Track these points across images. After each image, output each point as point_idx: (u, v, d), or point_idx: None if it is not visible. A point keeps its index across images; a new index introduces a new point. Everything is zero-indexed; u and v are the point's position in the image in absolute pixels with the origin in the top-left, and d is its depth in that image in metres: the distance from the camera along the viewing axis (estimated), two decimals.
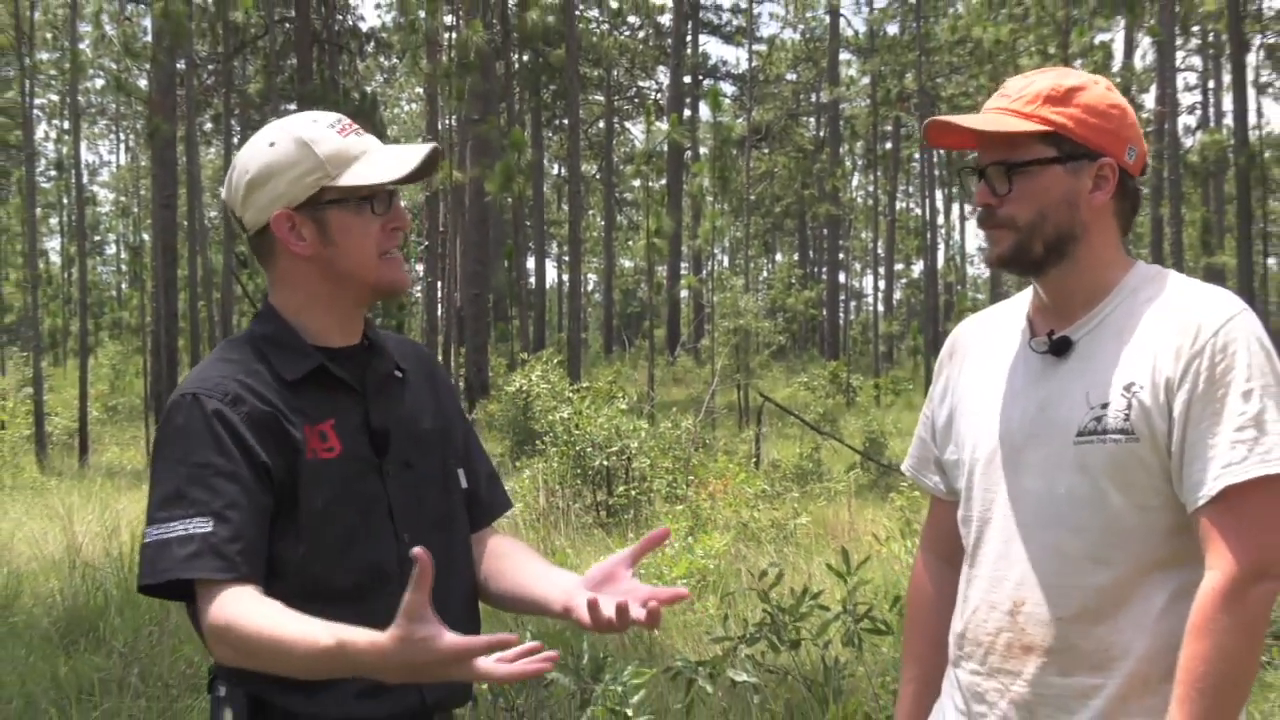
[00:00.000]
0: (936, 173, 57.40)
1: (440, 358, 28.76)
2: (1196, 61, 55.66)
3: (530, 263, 54.66)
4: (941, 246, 63.43)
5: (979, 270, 72.18)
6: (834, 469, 18.91)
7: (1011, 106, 2.55)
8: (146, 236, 41.92)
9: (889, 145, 58.67)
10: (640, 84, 64.31)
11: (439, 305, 33.91)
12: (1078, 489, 2.44)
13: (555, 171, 61.28)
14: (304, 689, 2.38)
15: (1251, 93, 40.78)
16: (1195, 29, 47.07)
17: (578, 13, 41.74)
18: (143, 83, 37.16)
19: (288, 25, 34.68)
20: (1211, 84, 54.73)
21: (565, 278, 60.88)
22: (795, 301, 49.31)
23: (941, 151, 53.30)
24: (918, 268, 61.72)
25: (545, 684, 4.90)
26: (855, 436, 22.81)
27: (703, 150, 51.74)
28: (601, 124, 61.19)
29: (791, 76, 62.95)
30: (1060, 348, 2.53)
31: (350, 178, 2.50)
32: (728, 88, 60.85)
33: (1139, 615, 2.42)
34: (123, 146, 69.67)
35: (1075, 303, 2.55)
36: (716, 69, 64.83)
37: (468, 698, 2.73)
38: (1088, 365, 2.48)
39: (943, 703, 2.74)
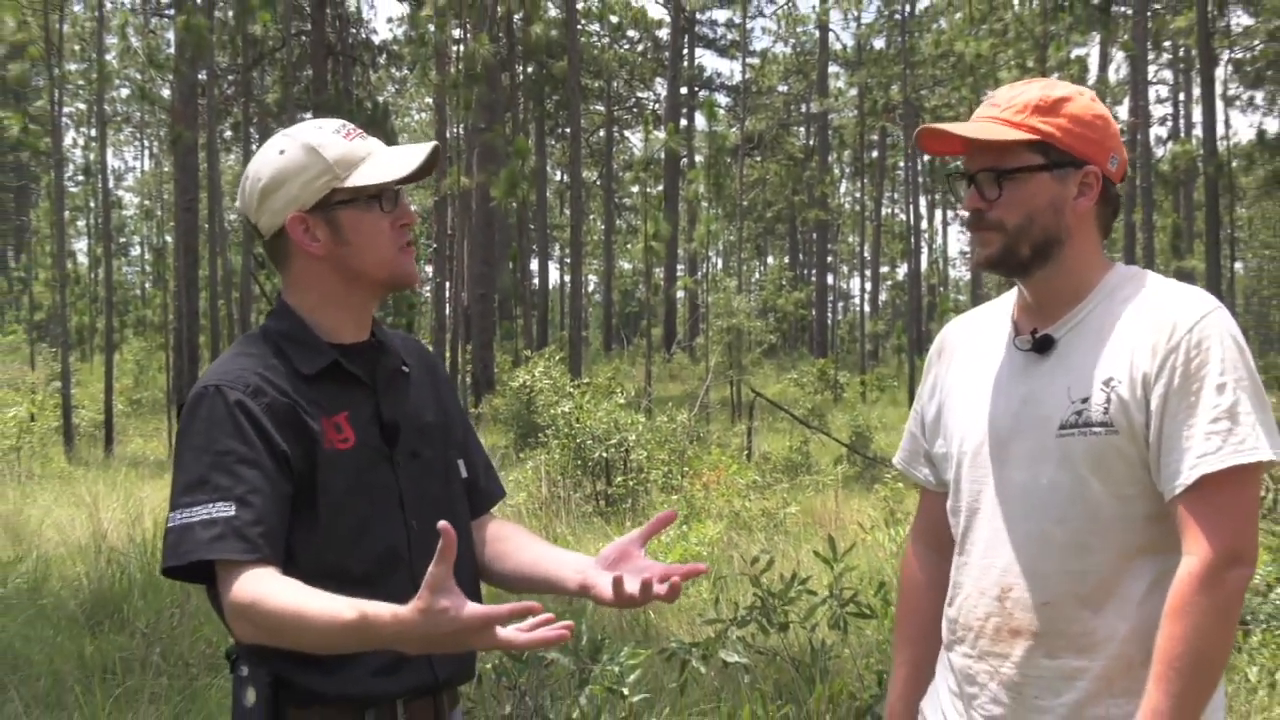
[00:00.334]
0: (920, 180, 57.43)
1: (447, 355, 28.74)
2: (1168, 75, 55.69)
3: (534, 264, 54.68)
4: (925, 250, 63.54)
5: (960, 273, 72.32)
6: (822, 461, 18.92)
7: (1001, 115, 2.54)
8: (169, 238, 41.94)
9: (875, 154, 58.74)
10: (639, 95, 64.29)
11: (447, 305, 33.87)
12: (1060, 479, 2.45)
13: (558, 178, 61.24)
14: (323, 667, 2.39)
15: (1220, 105, 40.78)
16: (1167, 44, 47.07)
17: (579, 27, 41.74)
18: (166, 92, 37.13)
19: (304, 38, 34.64)
20: (1182, 97, 54.78)
21: (567, 279, 60.86)
22: (785, 302, 49.34)
23: (925, 160, 53.33)
24: (902, 270, 61.75)
25: (546, 664, 4.89)
26: (842, 430, 22.83)
27: (698, 158, 51.75)
28: (602, 133, 61.20)
29: (783, 88, 62.94)
30: (1043, 345, 2.53)
31: (358, 178, 2.51)
32: (722, 99, 60.87)
33: (1121, 600, 2.42)
34: (147, 153, 69.73)
35: (1058, 302, 2.55)
36: (711, 81, 64.80)
37: (472, 675, 2.74)
38: (1069, 362, 2.48)
39: (937, 684, 2.74)
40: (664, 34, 59.75)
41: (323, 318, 2.57)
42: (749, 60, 58.22)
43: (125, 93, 52.20)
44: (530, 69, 41.56)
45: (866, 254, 62.69)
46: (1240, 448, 2.30)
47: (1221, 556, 2.28)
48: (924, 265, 60.79)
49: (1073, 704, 2.44)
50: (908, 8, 47.76)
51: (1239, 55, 44.10)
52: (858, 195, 63.56)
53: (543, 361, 22.69)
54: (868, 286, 65.59)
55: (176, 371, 28.33)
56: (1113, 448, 2.40)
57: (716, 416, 28.54)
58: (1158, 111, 55.24)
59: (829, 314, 60.69)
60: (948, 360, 2.78)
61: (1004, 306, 2.71)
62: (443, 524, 2.02)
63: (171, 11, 34.42)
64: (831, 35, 58.12)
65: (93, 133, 52.99)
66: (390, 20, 66.82)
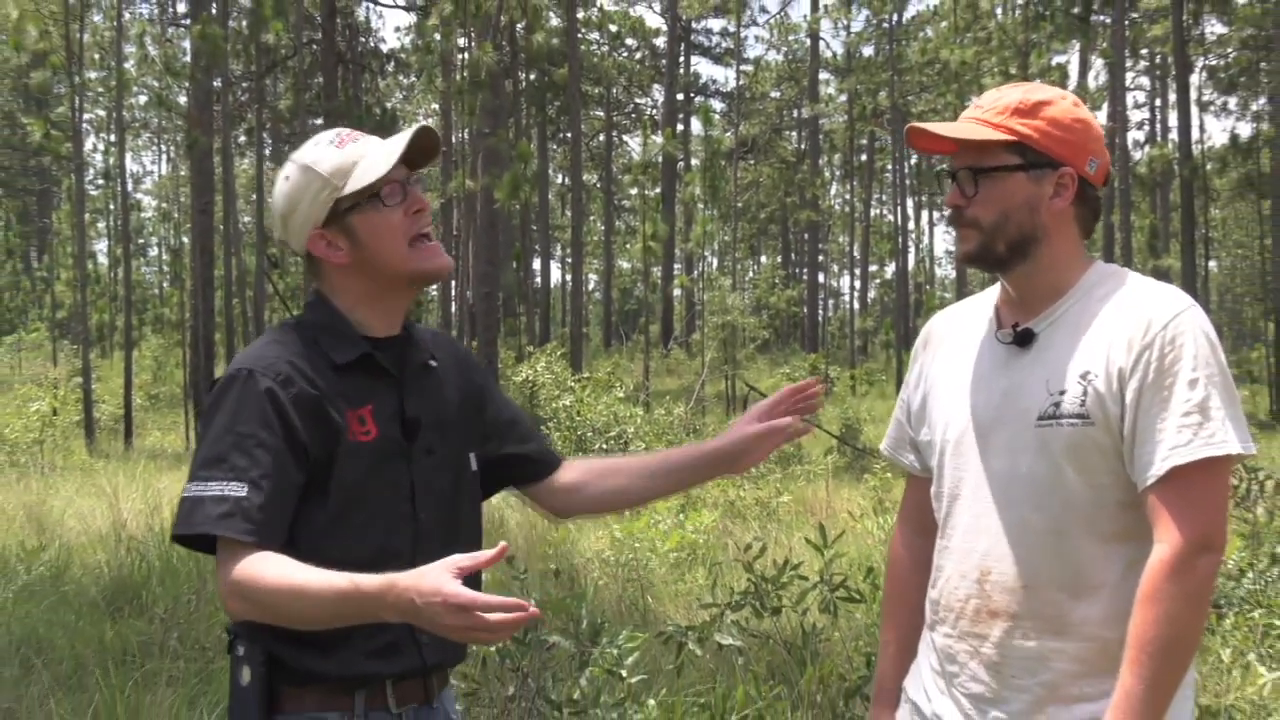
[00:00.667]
0: (907, 182, 57.46)
1: None
2: (1145, 81, 55.67)
3: (536, 264, 54.72)
4: (912, 250, 63.54)
5: (946, 271, 72.26)
6: (813, 452, 18.92)
7: (983, 117, 2.55)
8: (185, 240, 41.94)
9: (864, 157, 58.75)
10: (637, 101, 64.26)
11: (452, 303, 33.88)
12: (1038, 468, 2.45)
13: (559, 180, 61.21)
14: (316, 648, 2.43)
15: (1195, 110, 40.75)
16: (1144, 51, 47.11)
17: (579, 35, 41.70)
18: (182, 99, 37.09)
19: (315, 47, 34.61)
20: (1158, 102, 54.73)
21: (568, 277, 60.81)
22: (778, 300, 49.27)
23: (912, 163, 53.34)
24: (890, 269, 61.80)
25: (547, 647, 4.89)
26: (833, 423, 22.82)
27: (694, 161, 51.79)
28: (602, 137, 61.16)
29: (775, 94, 62.89)
30: (1024, 339, 2.53)
31: (354, 183, 2.52)
32: (717, 104, 60.77)
33: (1096, 584, 2.43)
34: (164, 157, 69.71)
35: (1038, 298, 2.55)
36: (706, 87, 64.73)
37: (464, 657, 2.76)
38: (1048, 355, 2.49)
39: (919, 662, 2.74)
40: (661, 42, 59.72)
41: (357, 313, 2.59)
42: (743, 67, 58.28)
43: (143, 99, 52.12)
44: (532, 76, 41.53)
45: (856, 253, 62.70)
46: (1210, 441, 2.31)
47: (1192, 545, 2.29)
48: (911, 264, 60.89)
49: (1049, 683, 2.45)
50: (895, 17, 47.76)
51: (1213, 62, 44.12)
52: (847, 197, 63.52)
53: (545, 357, 22.71)
54: (857, 285, 65.68)
55: (193, 367, 28.30)
56: (1089, 439, 2.40)
57: (712, 409, 28.54)
58: (1135, 116, 55.18)
59: (820, 311, 60.57)
60: (933, 351, 2.79)
61: (988, 300, 2.71)
62: (503, 544, 2.13)
63: (187, 21, 34.39)
64: (822, 43, 58.06)
65: (112, 138, 52.94)
66: (398, 29, 66.75)
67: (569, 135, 47.30)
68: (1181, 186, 32.50)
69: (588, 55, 52.04)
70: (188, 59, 30.64)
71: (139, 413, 26.47)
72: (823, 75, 58.54)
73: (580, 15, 42.51)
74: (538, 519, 11.56)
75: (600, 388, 18.26)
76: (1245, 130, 48.79)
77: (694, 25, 61.12)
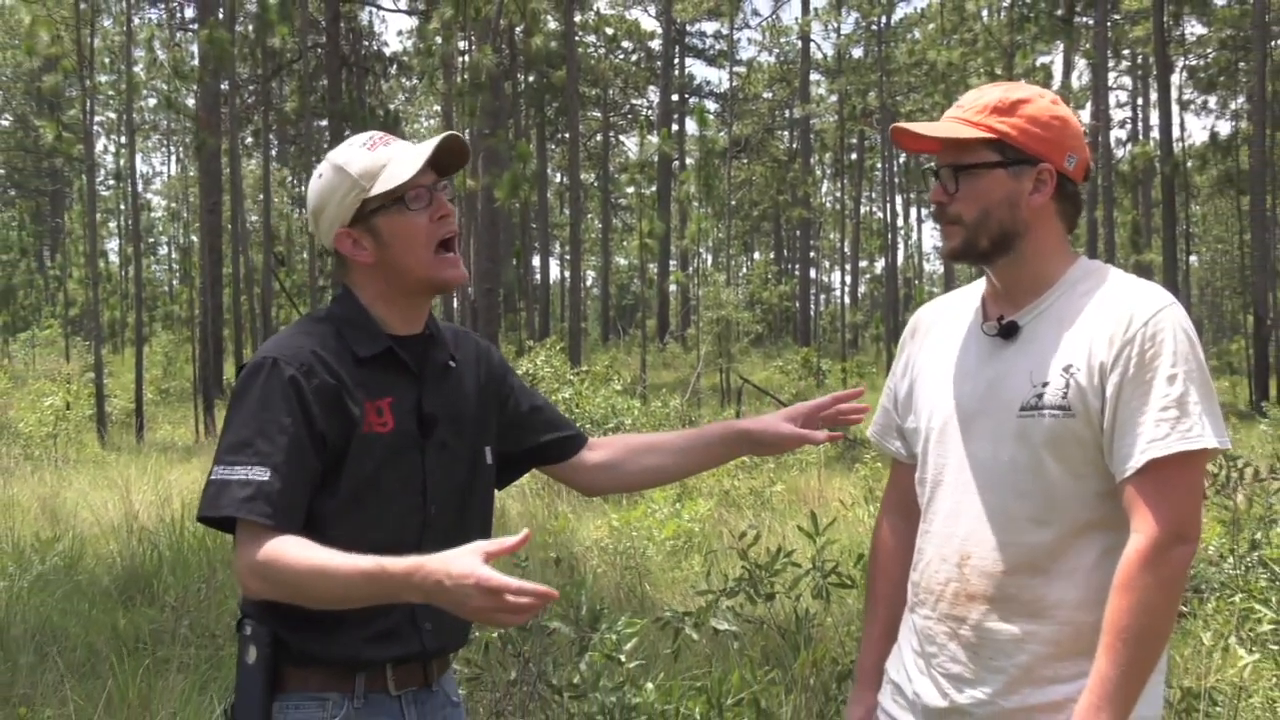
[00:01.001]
0: (896, 180, 57.55)
1: None
2: (1127, 81, 55.73)
3: (535, 261, 54.71)
4: (901, 246, 63.54)
5: (935, 266, 72.17)
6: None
7: (963, 116, 2.56)
8: (194, 239, 41.81)
9: (854, 156, 58.65)
10: (633, 101, 64.26)
11: (454, 298, 33.87)
12: (1019, 457, 2.46)
13: (558, 180, 61.14)
14: (319, 630, 2.46)
15: (1176, 109, 40.75)
16: (1126, 52, 47.12)
17: (577, 38, 41.67)
18: (190, 102, 37.05)
19: (319, 50, 34.57)
20: (1140, 101, 54.80)
21: (567, 274, 60.81)
22: (771, 295, 49.30)
23: (901, 161, 53.34)
24: (880, 264, 61.73)
25: (548, 632, 4.90)
26: None
27: (689, 161, 51.75)
28: (599, 137, 61.12)
29: (768, 95, 62.84)
30: (1008, 331, 2.54)
31: (380, 185, 2.54)
32: (711, 105, 60.79)
33: (1071, 570, 2.44)
34: (173, 158, 69.61)
35: (1022, 291, 2.56)
36: (701, 88, 64.75)
37: (464, 642, 2.77)
38: (1032, 348, 2.50)
39: (900, 644, 2.75)
40: (656, 45, 59.70)
41: (379, 310, 2.61)
42: (736, 69, 58.16)
43: (153, 102, 52.04)
44: (531, 78, 41.49)
45: (846, 249, 62.59)
46: (1187, 435, 2.32)
47: (1167, 535, 2.30)
48: (900, 260, 60.90)
49: (1025, 665, 2.46)
50: (884, 19, 47.78)
51: (1193, 62, 44.15)
52: (838, 195, 63.39)
53: (544, 351, 22.67)
54: (848, 280, 65.51)
55: (202, 363, 28.30)
56: (1069, 430, 2.41)
57: (707, 401, 28.53)
58: (1118, 115, 55.21)
59: (811, 305, 60.60)
60: (920, 341, 2.80)
61: (974, 292, 2.72)
62: (527, 531, 2.15)
63: (195, 26, 34.35)
64: (813, 45, 58.06)
65: (122, 140, 52.84)
66: (400, 33, 66.58)
67: (567, 135, 47.27)
68: (1163, 183, 32.51)
69: (585, 58, 52.01)
70: (196, 63, 30.66)
71: (150, 407, 26.44)
72: (814, 76, 58.51)
73: (578, 19, 42.50)
74: (538, 509, 11.57)
75: (598, 381, 18.24)
76: (1225, 128, 48.89)
77: (688, 28, 61.11)
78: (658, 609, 7.20)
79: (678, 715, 4.63)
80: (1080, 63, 37.03)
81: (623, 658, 4.78)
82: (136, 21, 31.11)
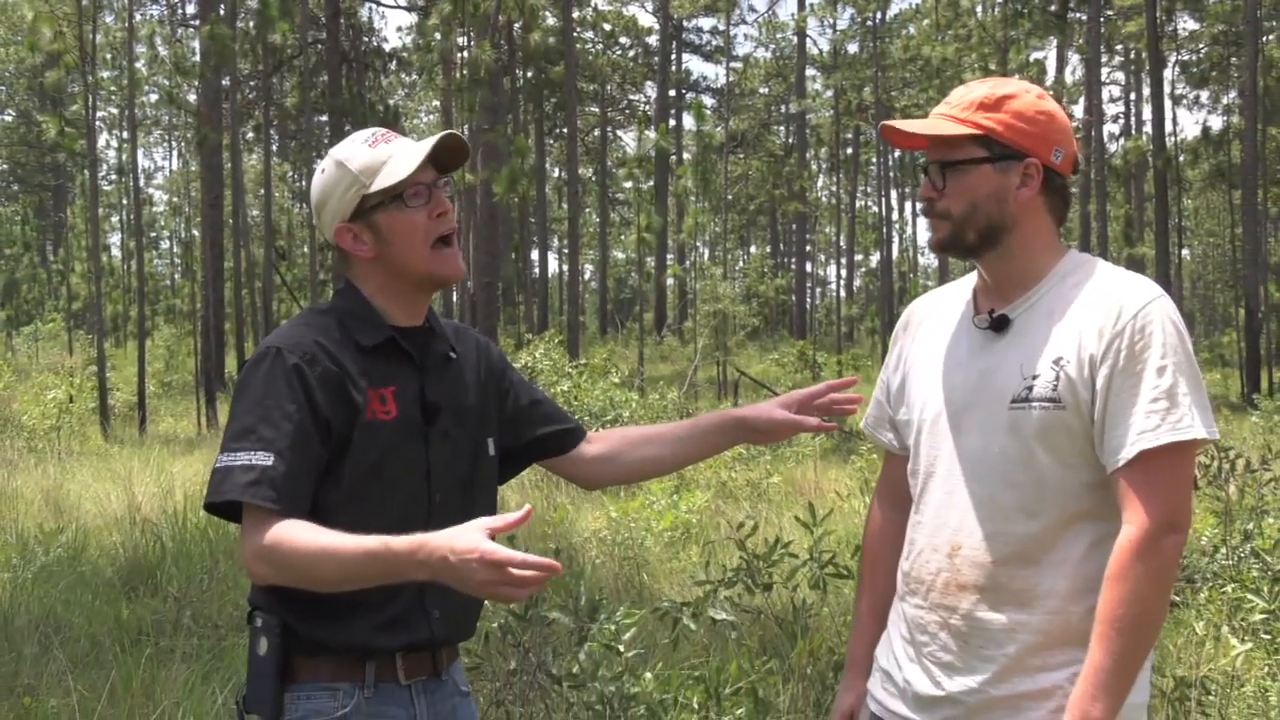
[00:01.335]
0: (891, 175, 57.51)
1: None
2: (1120, 76, 55.65)
3: (534, 255, 54.64)
4: (896, 240, 63.54)
5: (929, 260, 72.22)
6: (801, 435, 18.88)
7: (950, 112, 2.56)
8: (196, 233, 41.77)
9: (850, 151, 58.69)
10: (630, 97, 64.18)
11: (454, 292, 33.88)
12: (1010, 449, 2.47)
13: (556, 174, 61.09)
14: (329, 619, 2.47)
15: (1168, 104, 40.75)
16: (1119, 47, 47.06)
17: (575, 34, 41.63)
18: (192, 97, 36.96)
19: (320, 46, 34.53)
20: (1133, 96, 54.73)
21: (565, 268, 60.77)
22: (767, 288, 49.25)
23: (895, 156, 53.35)
24: (875, 258, 61.68)
25: (548, 623, 4.90)
26: None
27: (686, 155, 51.72)
28: (597, 132, 61.03)
29: (764, 90, 62.79)
30: (999, 324, 2.54)
31: (380, 182, 2.55)
32: (707, 100, 60.72)
33: (1061, 560, 2.45)
34: (174, 153, 69.66)
35: (1012, 285, 2.57)
36: (697, 84, 64.71)
37: (472, 632, 2.77)
38: (1022, 341, 2.50)
39: (890, 631, 2.75)
40: (653, 40, 59.72)
41: (380, 302, 2.63)
42: (732, 64, 58.16)
43: (154, 98, 52.00)
44: (530, 74, 41.43)
45: (842, 243, 62.67)
46: (1177, 426, 2.33)
47: (1158, 525, 2.32)
48: (895, 253, 60.89)
49: (1014, 654, 2.47)
50: (879, 15, 47.73)
51: (1185, 57, 44.17)
52: (834, 189, 63.47)
53: (543, 344, 22.65)
54: (843, 273, 65.62)
55: (204, 356, 28.29)
56: (1060, 421, 2.42)
57: (704, 394, 28.53)
58: (1110, 110, 55.24)
59: (807, 299, 60.62)
60: (913, 334, 2.80)
61: (966, 286, 2.73)
62: (528, 506, 2.17)
63: (196, 22, 34.32)
64: (809, 41, 58.01)
65: (124, 135, 52.82)
66: (400, 29, 66.57)
67: (565, 130, 47.18)
68: (1155, 177, 32.51)
69: (583, 53, 51.97)
70: (197, 59, 30.59)
71: (152, 400, 26.40)
72: (810, 72, 58.49)
73: (576, 15, 42.47)
74: (537, 501, 11.57)
75: (597, 373, 18.25)
76: (1216, 123, 48.75)
77: (685, 24, 61.04)
78: (656, 599, 7.20)
79: (676, 705, 4.63)
80: (1073, 58, 37.10)
81: (621, 647, 4.79)
82: (138, 17, 31.04)
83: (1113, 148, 40.96)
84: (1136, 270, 2.56)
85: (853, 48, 52.29)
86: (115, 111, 53.64)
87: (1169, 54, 40.59)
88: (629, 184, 57.86)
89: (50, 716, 5.65)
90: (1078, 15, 35.00)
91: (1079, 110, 33.20)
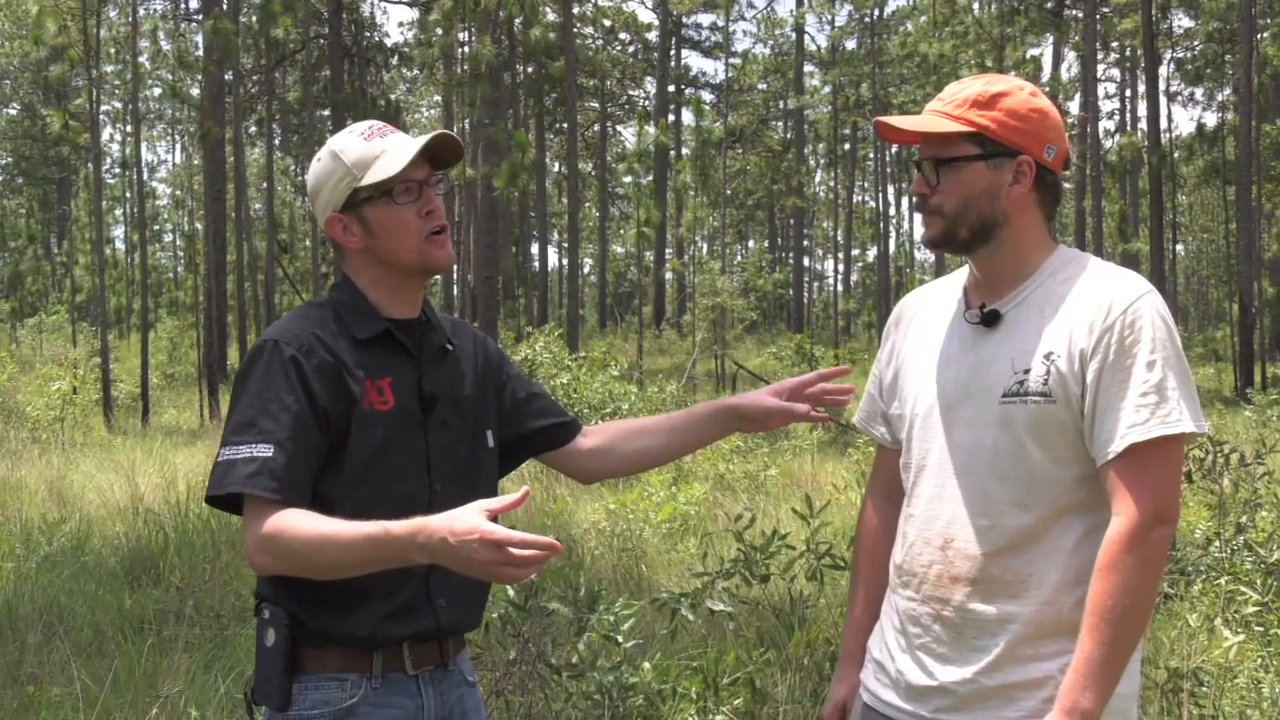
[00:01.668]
0: (888, 170, 57.43)
1: None
2: (1116, 73, 55.69)
3: (534, 249, 54.66)
4: (893, 235, 63.58)
5: (925, 255, 72.18)
6: (798, 428, 18.90)
7: (944, 109, 2.56)
8: (199, 226, 41.82)
9: (847, 146, 58.66)
10: (630, 92, 64.10)
11: (454, 286, 33.87)
12: (1002, 442, 2.47)
13: (556, 169, 61.07)
14: (335, 610, 2.48)
15: (1163, 100, 40.72)
16: (1115, 44, 47.03)
17: (575, 30, 41.59)
18: (195, 91, 36.98)
19: (322, 41, 34.46)
20: (1128, 92, 54.71)
21: (565, 262, 60.71)
22: (765, 282, 49.33)
23: (893, 152, 53.33)
24: (872, 253, 61.69)
25: (547, 613, 4.90)
26: None
27: (685, 150, 51.67)
28: (596, 127, 61.00)
29: (762, 86, 62.75)
30: (990, 319, 2.55)
31: (371, 176, 2.56)
32: (706, 96, 60.67)
33: (1052, 552, 2.46)
34: (178, 147, 69.54)
35: (1003, 280, 2.57)
36: (697, 79, 64.55)
37: (478, 623, 2.78)
38: (1013, 335, 2.51)
39: (882, 623, 2.76)
40: (653, 36, 59.63)
41: (375, 295, 2.63)
42: (731, 60, 58.06)
43: (158, 92, 52.05)
44: (530, 69, 41.40)
45: (839, 238, 62.60)
46: (1166, 420, 2.34)
47: (1147, 518, 2.33)
48: (892, 248, 60.89)
49: (1007, 645, 2.48)
50: (877, 11, 47.73)
51: (1181, 55, 44.12)
52: (831, 184, 63.37)
53: (543, 337, 22.67)
54: (840, 268, 65.63)
55: (207, 348, 28.26)
56: (1050, 416, 2.43)
57: (702, 387, 28.54)
58: (1106, 106, 55.29)
59: (805, 293, 60.56)
60: (904, 329, 2.80)
61: (957, 281, 2.73)
62: (526, 489, 2.20)
63: (200, 16, 34.27)
64: (807, 37, 58.01)
65: (128, 129, 52.81)
66: (401, 24, 66.39)
67: (565, 126, 47.16)
68: (1150, 173, 32.46)
69: (583, 49, 51.92)
70: (200, 53, 30.59)
71: (155, 391, 26.40)
72: (808, 68, 58.49)
73: (576, 10, 42.43)
74: (536, 493, 11.56)
75: (596, 367, 18.25)
76: (1211, 120, 48.78)
77: (684, 20, 60.97)
78: (654, 590, 7.21)
79: (674, 694, 4.64)
80: (1070, 55, 37.07)
81: (620, 638, 4.79)
82: (142, 12, 31.05)
83: (1108, 144, 40.96)
84: (1131, 266, 2.56)
85: (850, 44, 52.29)
86: (119, 105, 53.49)
87: (1164, 51, 40.56)
88: (628, 179, 57.71)
89: (54, 705, 5.66)
90: (1074, 12, 34.98)
91: (1075, 106, 33.23)
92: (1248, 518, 7.29)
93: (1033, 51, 31.92)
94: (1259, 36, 32.72)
